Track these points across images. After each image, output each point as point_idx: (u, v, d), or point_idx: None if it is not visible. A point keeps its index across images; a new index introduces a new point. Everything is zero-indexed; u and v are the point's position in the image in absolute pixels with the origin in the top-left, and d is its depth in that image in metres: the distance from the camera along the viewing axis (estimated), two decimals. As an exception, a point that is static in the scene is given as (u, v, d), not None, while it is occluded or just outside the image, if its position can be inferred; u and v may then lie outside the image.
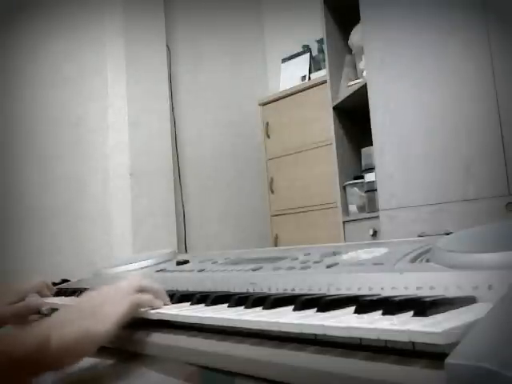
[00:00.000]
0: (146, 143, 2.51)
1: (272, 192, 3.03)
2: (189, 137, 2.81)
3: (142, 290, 0.66)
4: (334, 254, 0.74)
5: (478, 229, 0.61)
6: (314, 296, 0.54)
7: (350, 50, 2.38)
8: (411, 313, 0.41)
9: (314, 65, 2.99)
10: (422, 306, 0.41)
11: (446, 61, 1.60)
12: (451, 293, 0.47)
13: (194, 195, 2.78)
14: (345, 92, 2.26)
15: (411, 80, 1.72)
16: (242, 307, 0.57)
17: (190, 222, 2.72)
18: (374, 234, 1.94)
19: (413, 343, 0.36)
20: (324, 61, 2.56)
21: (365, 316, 0.43)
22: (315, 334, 0.43)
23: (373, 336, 0.38)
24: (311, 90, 2.82)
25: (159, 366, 0.60)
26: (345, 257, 0.71)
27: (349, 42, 2.32)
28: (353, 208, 2.26)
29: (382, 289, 0.54)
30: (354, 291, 0.56)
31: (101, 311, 0.61)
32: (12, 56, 2.26)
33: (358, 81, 2.18)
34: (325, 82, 2.48)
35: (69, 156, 2.38)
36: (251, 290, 0.68)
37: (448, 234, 0.64)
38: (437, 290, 0.49)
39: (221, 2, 3.07)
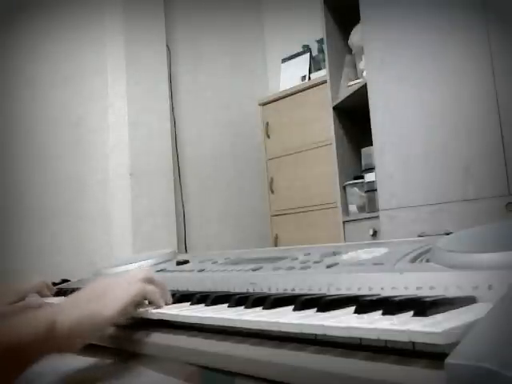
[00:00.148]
0: (146, 143, 2.51)
1: (272, 192, 3.03)
2: (189, 137, 2.81)
3: (149, 282, 0.68)
4: (334, 253, 0.74)
5: (477, 229, 0.61)
6: (313, 296, 0.54)
7: (350, 50, 2.38)
8: (411, 313, 0.41)
9: (314, 65, 2.99)
10: (421, 306, 0.41)
11: (446, 61, 1.60)
12: (451, 293, 0.47)
13: (194, 195, 2.78)
14: (345, 92, 2.26)
15: (411, 80, 1.72)
16: (242, 307, 0.57)
17: (190, 222, 2.73)
18: (374, 234, 1.94)
19: (413, 343, 0.36)
20: (324, 61, 2.56)
21: (365, 316, 0.43)
22: (315, 334, 0.43)
23: (373, 336, 0.38)
24: (311, 89, 2.82)
25: (159, 365, 0.60)
26: (345, 257, 0.71)
27: (349, 41, 2.32)
28: (353, 208, 2.26)
29: (382, 289, 0.54)
30: (354, 291, 0.56)
31: (107, 296, 0.63)
32: (12, 56, 2.26)
33: (358, 81, 2.18)
34: (325, 82, 2.48)
35: (69, 156, 2.39)
36: (251, 290, 0.68)
37: (448, 233, 0.64)
38: (437, 290, 0.49)
39: (221, 2, 3.07)
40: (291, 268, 0.71)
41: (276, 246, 2.93)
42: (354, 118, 2.34)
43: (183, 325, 0.58)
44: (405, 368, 0.35)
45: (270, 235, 3.04)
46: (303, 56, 3.05)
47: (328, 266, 0.67)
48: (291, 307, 0.52)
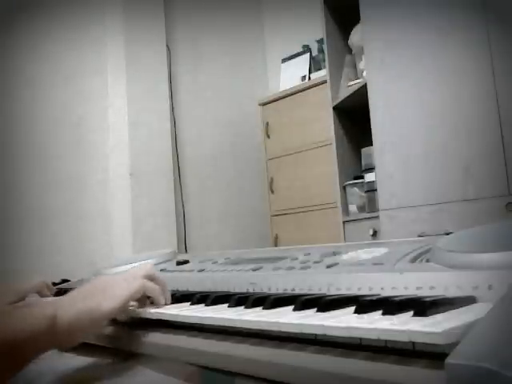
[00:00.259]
0: (146, 143, 2.51)
1: (272, 192, 3.03)
2: (189, 137, 2.81)
3: (150, 279, 0.68)
4: (334, 253, 0.74)
5: (477, 229, 0.61)
6: (313, 296, 0.54)
7: (350, 50, 2.38)
8: (411, 313, 0.41)
9: (314, 65, 2.99)
10: (421, 306, 0.41)
11: (446, 61, 1.60)
12: (451, 293, 0.47)
13: (194, 195, 2.78)
14: (345, 92, 2.26)
15: (411, 80, 1.72)
16: (242, 307, 0.57)
17: (190, 222, 2.72)
18: (374, 234, 1.94)
19: (413, 343, 0.36)
20: (324, 61, 2.56)
21: (365, 316, 0.43)
22: (315, 334, 0.43)
23: (373, 336, 0.38)
24: (311, 90, 2.82)
25: (159, 365, 0.60)
26: (345, 257, 0.71)
27: (349, 41, 2.32)
28: (353, 208, 2.26)
29: (382, 289, 0.54)
30: (354, 291, 0.56)
31: (107, 291, 0.63)
32: (12, 56, 2.26)
33: (358, 81, 2.18)
34: (325, 82, 2.48)
35: (69, 156, 2.38)
36: (251, 290, 0.68)
37: (448, 233, 0.64)
38: (437, 290, 0.49)
39: (221, 2, 3.07)
40: (291, 268, 0.71)
41: (276, 245, 2.93)
42: (353, 118, 2.34)
43: (183, 325, 0.58)
44: (405, 368, 0.35)
45: (270, 235, 3.04)
46: (303, 56, 3.05)
47: (328, 266, 0.67)
48: (291, 307, 0.52)
